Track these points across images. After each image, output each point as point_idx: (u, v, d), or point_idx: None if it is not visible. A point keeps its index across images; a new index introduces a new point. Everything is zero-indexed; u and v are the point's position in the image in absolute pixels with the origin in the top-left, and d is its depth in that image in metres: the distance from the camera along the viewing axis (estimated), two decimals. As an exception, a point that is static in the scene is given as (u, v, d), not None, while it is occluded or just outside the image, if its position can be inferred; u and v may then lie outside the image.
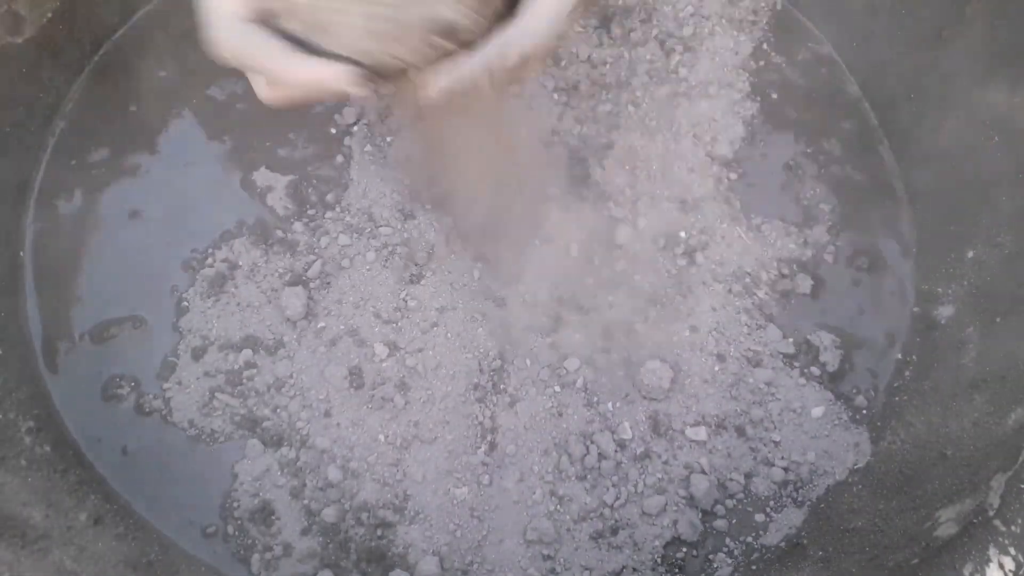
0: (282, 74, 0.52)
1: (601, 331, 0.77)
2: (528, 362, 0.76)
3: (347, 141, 0.83)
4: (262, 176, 0.81)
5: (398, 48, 0.52)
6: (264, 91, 0.55)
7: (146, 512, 0.72)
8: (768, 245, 0.82)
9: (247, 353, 0.75)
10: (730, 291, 0.79)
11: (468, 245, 0.79)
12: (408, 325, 0.76)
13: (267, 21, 0.53)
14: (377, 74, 0.53)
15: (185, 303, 0.77)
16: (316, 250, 0.79)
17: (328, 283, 0.78)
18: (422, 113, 0.61)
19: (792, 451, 0.75)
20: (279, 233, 0.80)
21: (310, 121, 0.84)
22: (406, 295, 0.77)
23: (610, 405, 0.75)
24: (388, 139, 0.83)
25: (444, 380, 0.75)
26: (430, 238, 0.79)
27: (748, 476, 0.74)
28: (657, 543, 0.72)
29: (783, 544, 0.73)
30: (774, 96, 0.87)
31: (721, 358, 0.77)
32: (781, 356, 0.78)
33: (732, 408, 0.76)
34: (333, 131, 0.83)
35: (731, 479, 0.74)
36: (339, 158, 0.82)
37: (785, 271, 0.81)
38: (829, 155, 0.86)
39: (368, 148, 0.83)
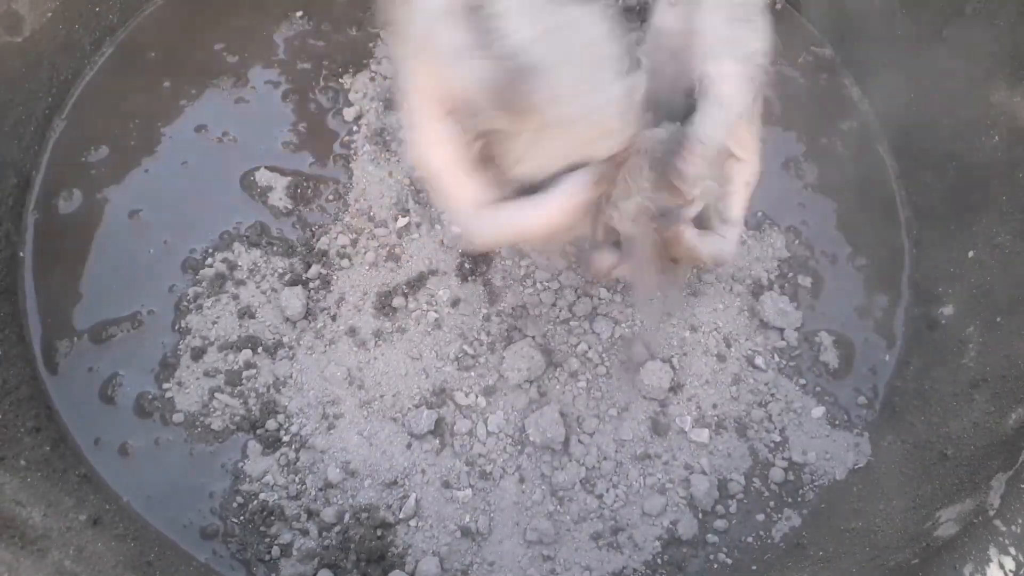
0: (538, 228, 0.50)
1: (600, 331, 0.77)
2: (528, 362, 0.76)
3: (347, 140, 0.83)
4: (262, 176, 0.81)
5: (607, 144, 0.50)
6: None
7: (146, 512, 0.72)
8: (768, 245, 0.82)
9: (247, 353, 0.75)
10: (730, 291, 0.79)
11: None
12: (409, 324, 0.77)
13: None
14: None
15: (185, 303, 0.77)
16: (316, 250, 0.79)
17: (328, 283, 0.78)
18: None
19: (792, 451, 0.75)
20: (279, 233, 0.80)
21: (310, 121, 0.84)
22: (406, 294, 0.77)
23: (610, 405, 0.75)
24: (388, 139, 0.83)
25: (444, 380, 0.75)
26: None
27: (748, 476, 0.74)
28: (657, 543, 0.72)
29: (783, 544, 0.73)
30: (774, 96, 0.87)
31: (721, 358, 0.77)
32: (781, 356, 0.78)
33: (732, 408, 0.76)
34: (333, 131, 0.83)
35: (731, 479, 0.74)
36: (339, 158, 0.82)
37: (785, 271, 0.81)
38: (829, 155, 0.86)
39: (368, 148, 0.83)
